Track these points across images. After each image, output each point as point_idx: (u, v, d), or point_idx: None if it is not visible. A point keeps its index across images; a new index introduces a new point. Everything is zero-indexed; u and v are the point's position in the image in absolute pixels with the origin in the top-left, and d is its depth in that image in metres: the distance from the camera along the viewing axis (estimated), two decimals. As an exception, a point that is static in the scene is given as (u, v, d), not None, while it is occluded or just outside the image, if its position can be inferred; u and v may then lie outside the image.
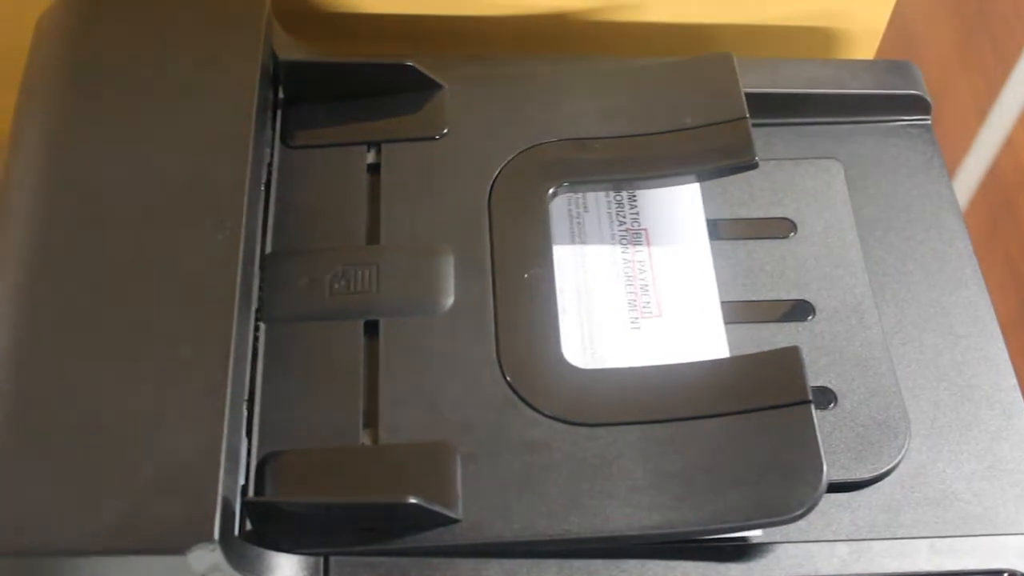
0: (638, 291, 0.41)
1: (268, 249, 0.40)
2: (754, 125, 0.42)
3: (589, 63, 0.46)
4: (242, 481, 0.36)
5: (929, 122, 0.48)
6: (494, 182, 0.42)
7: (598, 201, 0.44)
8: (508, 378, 0.38)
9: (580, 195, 0.44)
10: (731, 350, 0.41)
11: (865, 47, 0.51)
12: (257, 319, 0.39)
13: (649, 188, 0.43)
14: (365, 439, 0.37)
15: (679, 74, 0.44)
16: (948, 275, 0.44)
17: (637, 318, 0.41)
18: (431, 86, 0.44)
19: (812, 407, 0.36)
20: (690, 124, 0.42)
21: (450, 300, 0.39)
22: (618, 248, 0.42)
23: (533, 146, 0.42)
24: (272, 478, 0.36)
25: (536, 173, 0.42)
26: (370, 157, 0.43)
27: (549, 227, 0.41)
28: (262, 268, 0.40)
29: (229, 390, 0.35)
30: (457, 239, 0.40)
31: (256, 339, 0.38)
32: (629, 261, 0.42)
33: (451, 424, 0.37)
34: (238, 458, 0.35)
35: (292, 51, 0.44)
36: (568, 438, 0.37)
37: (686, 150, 0.42)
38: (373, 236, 0.41)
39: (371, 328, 0.39)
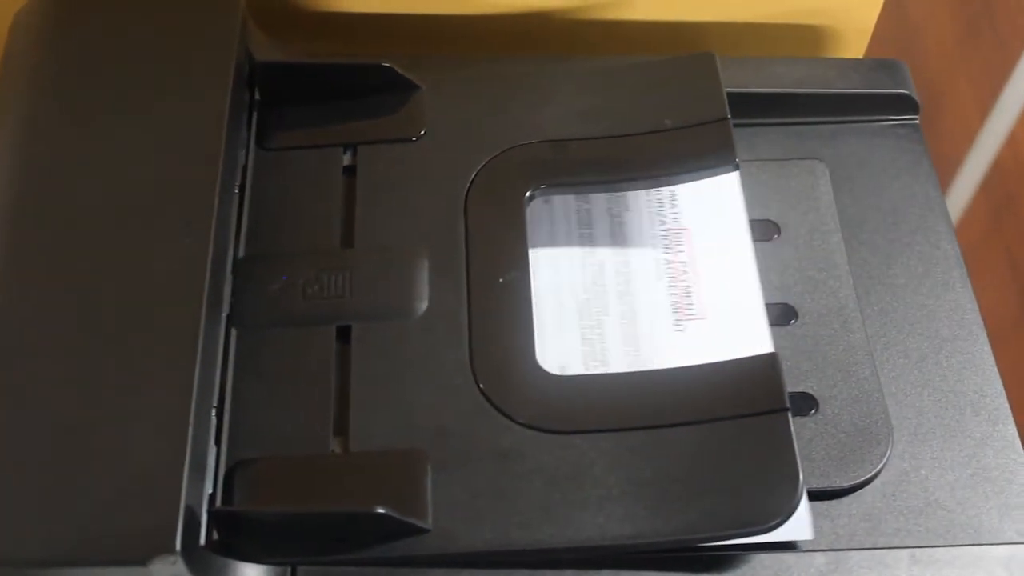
0: (681, 293, 0.41)
1: (241, 253, 0.40)
2: (739, 125, 0.42)
3: (569, 63, 0.45)
4: (210, 489, 0.35)
5: (918, 122, 0.47)
6: (471, 185, 0.41)
7: (638, 200, 0.43)
8: (481, 385, 0.37)
9: (621, 195, 0.43)
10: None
11: (854, 46, 0.51)
12: (228, 324, 0.38)
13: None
14: (335, 447, 0.36)
15: (660, 74, 0.43)
16: (935, 278, 0.43)
17: (680, 320, 0.40)
18: (408, 87, 0.43)
19: (789, 415, 0.35)
20: (670, 125, 0.42)
21: (424, 305, 0.38)
22: (660, 248, 0.42)
23: (511, 148, 0.42)
24: (241, 486, 0.35)
25: (514, 175, 0.41)
26: (346, 159, 0.42)
27: (525, 231, 0.40)
28: (234, 272, 0.39)
29: (195, 396, 0.34)
30: (432, 243, 0.40)
31: (227, 344, 0.38)
32: (671, 262, 0.41)
33: (423, 431, 0.36)
34: (204, 466, 0.35)
35: (268, 52, 0.43)
36: (541, 446, 0.36)
37: (666, 152, 0.41)
38: (347, 240, 0.40)
39: (343, 333, 0.38)
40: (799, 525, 0.36)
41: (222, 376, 0.37)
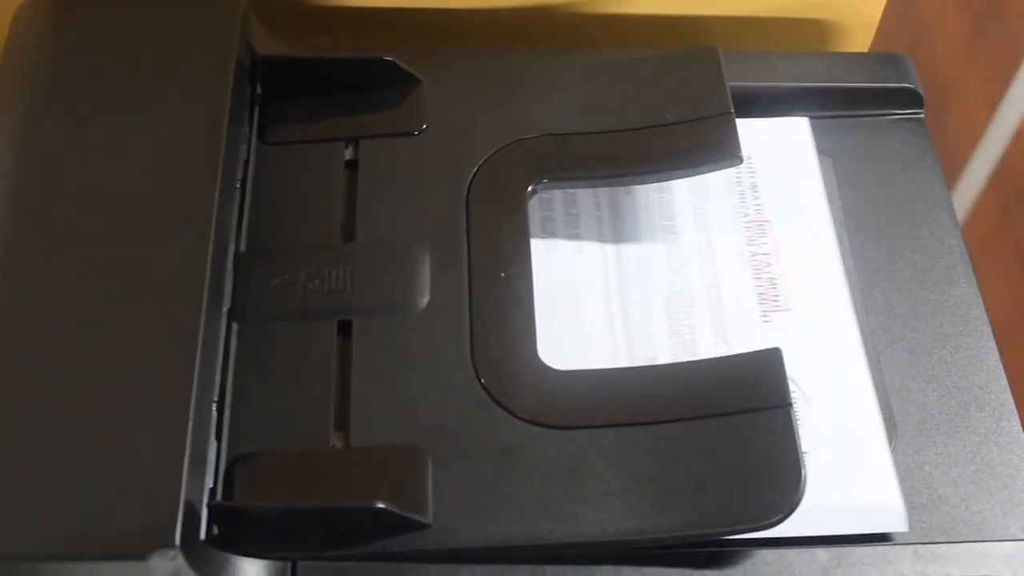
0: (766, 284, 0.41)
1: (243, 248, 0.40)
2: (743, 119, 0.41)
3: (571, 58, 0.45)
4: (210, 484, 0.35)
5: (922, 116, 0.47)
6: (473, 179, 0.41)
7: (720, 192, 0.43)
8: (482, 380, 0.37)
9: (701, 183, 0.43)
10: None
11: (859, 40, 0.50)
12: (230, 319, 0.38)
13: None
14: (336, 442, 0.36)
15: (663, 69, 0.43)
16: (939, 273, 0.43)
17: (767, 311, 0.40)
18: (410, 81, 0.43)
19: (792, 410, 0.35)
20: (673, 120, 0.41)
21: (425, 300, 0.38)
22: (743, 240, 0.42)
23: (513, 142, 0.42)
24: (241, 481, 0.35)
25: (516, 170, 0.41)
26: (348, 153, 0.42)
27: (528, 225, 0.40)
28: (236, 267, 0.39)
29: (195, 391, 0.34)
30: (434, 237, 0.40)
31: (228, 339, 0.38)
32: (755, 254, 0.42)
33: (423, 427, 0.36)
34: (205, 461, 0.35)
35: (270, 46, 0.43)
36: (542, 441, 0.36)
37: (669, 147, 0.41)
38: (349, 234, 0.40)
39: (344, 328, 0.38)
40: (895, 518, 0.36)
41: (223, 371, 0.37)
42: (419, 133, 0.42)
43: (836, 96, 0.46)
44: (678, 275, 0.41)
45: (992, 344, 0.41)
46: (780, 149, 0.45)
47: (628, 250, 0.42)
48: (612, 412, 0.36)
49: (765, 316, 0.40)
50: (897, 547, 0.36)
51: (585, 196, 0.43)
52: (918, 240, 0.43)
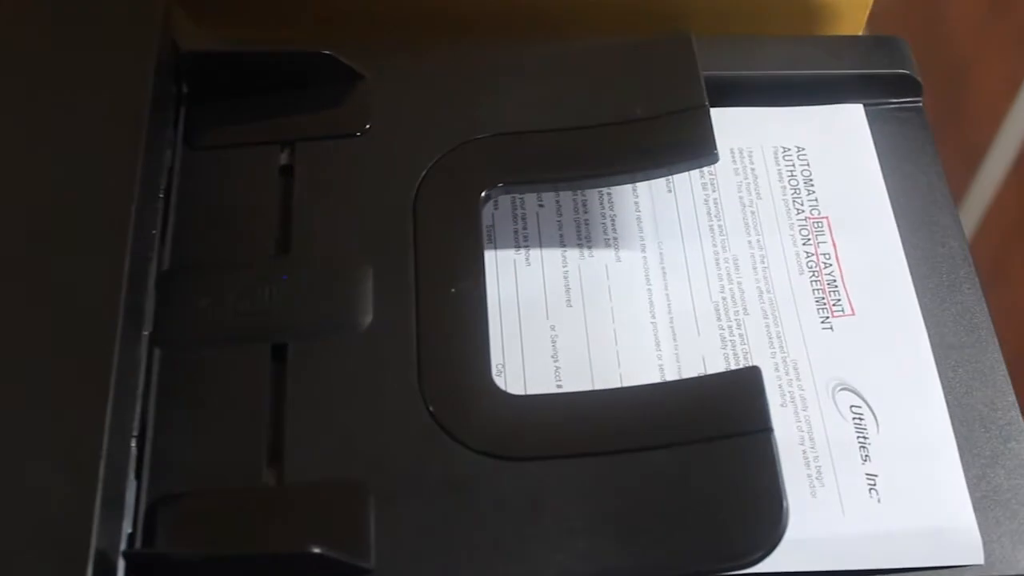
0: (826, 287, 0.41)
1: (166, 265, 0.39)
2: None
3: (530, 47, 0.44)
4: (128, 529, 0.34)
5: (920, 104, 0.46)
6: (420, 184, 0.40)
7: (771, 186, 0.43)
8: (431, 408, 0.36)
9: (751, 180, 0.43)
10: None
11: (851, 22, 0.50)
12: (151, 344, 0.37)
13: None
14: (269, 478, 0.36)
15: (631, 58, 0.43)
16: (939, 278, 0.42)
17: (828, 317, 0.40)
18: (351, 77, 0.42)
19: (773, 436, 0.35)
20: (642, 115, 0.41)
21: (367, 319, 0.38)
22: (799, 239, 0.42)
23: (465, 142, 0.41)
24: (163, 525, 0.35)
25: (468, 173, 0.41)
26: (283, 158, 0.41)
27: (481, 234, 0.39)
28: (158, 286, 0.38)
29: (109, 425, 0.33)
30: (377, 250, 0.39)
31: (149, 366, 0.37)
32: (812, 254, 0.42)
33: (365, 460, 0.36)
34: (121, 503, 0.34)
35: (196, 40, 0.43)
36: (496, 475, 0.35)
37: (638, 144, 0.41)
38: (284, 247, 0.40)
39: (278, 352, 0.38)
40: (972, 550, 0.36)
41: (143, 402, 0.36)
42: (361, 134, 0.42)
43: (824, 84, 0.46)
44: (728, 279, 0.41)
45: (999, 356, 0.41)
46: (835, 139, 0.45)
47: (672, 253, 0.42)
48: (574, 441, 0.36)
49: (825, 322, 0.40)
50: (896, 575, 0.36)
51: (623, 194, 0.43)
52: (916, 242, 0.43)
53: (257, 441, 0.36)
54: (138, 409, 0.36)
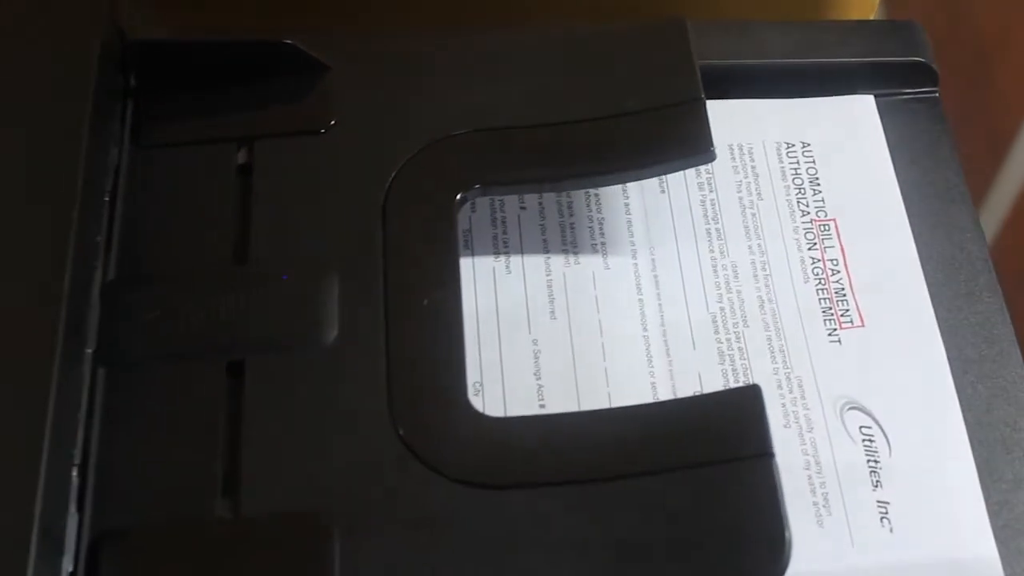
0: (833, 296, 0.41)
1: (111, 274, 0.39)
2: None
3: (509, 35, 0.44)
4: (69, 568, 0.34)
5: (937, 94, 0.46)
6: (390, 185, 0.40)
7: (774, 186, 0.43)
8: (401, 431, 0.36)
9: (752, 179, 0.43)
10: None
11: (861, 5, 0.50)
12: (94, 362, 0.37)
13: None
14: (224, 510, 0.35)
15: (619, 45, 0.42)
16: (957, 286, 0.42)
17: (835, 329, 0.40)
18: (315, 68, 0.42)
19: (774, 461, 0.34)
20: (632, 108, 0.41)
21: (332, 334, 0.37)
22: (803, 243, 0.42)
23: (439, 139, 0.41)
24: (108, 562, 0.34)
25: (442, 174, 0.40)
26: (240, 156, 0.41)
27: (457, 240, 0.39)
28: (102, 298, 0.38)
29: (46, 453, 0.33)
30: (343, 257, 0.39)
31: (93, 388, 0.37)
32: (818, 260, 0.42)
33: (329, 490, 0.35)
34: (62, 539, 0.34)
35: (145, 28, 0.43)
36: (474, 505, 0.35)
37: (628, 140, 0.41)
38: (241, 255, 0.39)
39: (235, 370, 0.37)
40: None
41: (86, 427, 0.36)
42: (326, 131, 0.41)
43: (832, 74, 0.45)
44: (727, 288, 0.41)
45: (1022, 371, 0.40)
46: (844, 133, 0.45)
47: (666, 260, 0.42)
48: (558, 467, 0.35)
49: (833, 335, 0.40)
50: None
51: (612, 196, 0.43)
52: (932, 246, 0.43)
53: (211, 469, 0.36)
54: (80, 435, 0.36)
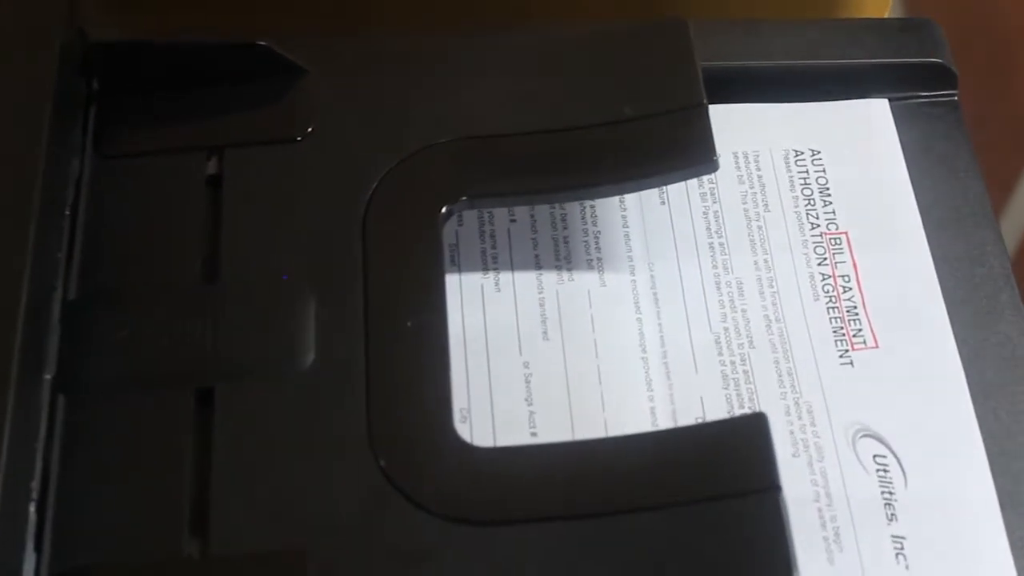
0: (845, 316, 0.41)
1: (72, 294, 0.39)
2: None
3: (499, 37, 0.44)
4: (26, 612, 0.34)
5: (956, 98, 0.46)
6: (371, 197, 0.40)
7: (781, 197, 0.43)
8: (382, 463, 0.35)
9: (758, 189, 0.43)
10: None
11: (875, 3, 0.50)
12: (54, 389, 0.37)
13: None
14: (192, 548, 0.35)
15: (617, 48, 0.42)
16: (979, 304, 0.42)
17: (847, 350, 0.40)
18: (291, 72, 0.42)
19: (781, 495, 0.34)
20: (630, 115, 0.41)
21: (309, 358, 0.37)
22: (813, 258, 0.42)
23: (423, 148, 0.41)
24: (68, 605, 0.34)
25: (426, 185, 0.40)
26: (210, 167, 0.41)
27: (443, 257, 0.39)
28: (62, 320, 0.38)
29: (0, 489, 0.32)
30: (321, 276, 0.39)
31: (52, 416, 0.36)
32: (828, 276, 0.42)
33: (306, 527, 0.35)
34: (17, 581, 0.33)
35: (109, 29, 0.43)
36: (461, 542, 0.34)
37: (625, 149, 0.41)
38: (210, 273, 0.39)
39: (205, 397, 0.37)
40: None
41: (45, 459, 0.36)
42: (302, 139, 0.41)
43: (842, 76, 0.45)
44: (731, 307, 0.41)
45: (1050, 397, 0.41)
46: (856, 140, 0.45)
47: (666, 276, 0.42)
48: (552, 502, 0.35)
49: (844, 357, 0.40)
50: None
51: (609, 208, 0.43)
52: (951, 262, 0.43)
53: (178, 504, 0.35)
54: (38, 467, 0.35)
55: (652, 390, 0.39)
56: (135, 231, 0.40)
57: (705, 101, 0.41)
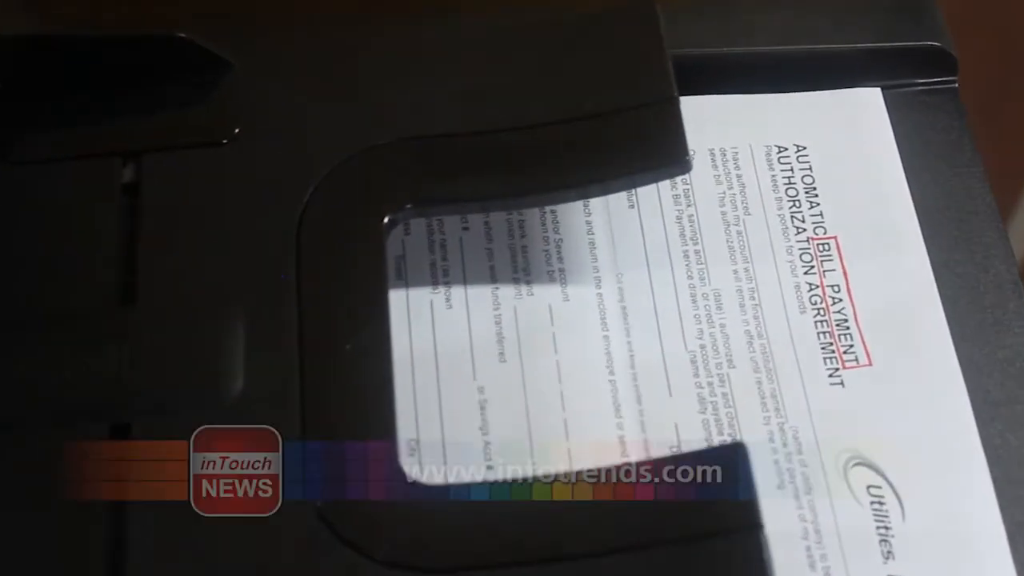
0: (834, 329, 0.41)
1: None
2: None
3: (447, 24, 0.44)
4: None
5: (955, 85, 0.46)
6: (306, 206, 0.40)
7: (763, 198, 0.44)
8: (319, 505, 0.35)
9: (737, 190, 0.44)
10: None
11: None
12: (-49, 427, 0.37)
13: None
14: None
15: (578, 36, 0.42)
16: (982, 314, 0.42)
17: (837, 369, 0.41)
18: (215, 67, 0.42)
19: (763, 534, 0.34)
20: (593, 110, 0.41)
21: (237, 387, 0.37)
22: (799, 266, 0.42)
23: (363, 151, 0.41)
24: None
25: (367, 191, 0.40)
26: (126, 174, 0.41)
27: (386, 270, 0.39)
28: None
29: None
30: (250, 295, 0.39)
31: None
32: (816, 286, 0.42)
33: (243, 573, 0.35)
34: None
35: (12, 21, 0.43)
36: (406, 592, 0.35)
37: (588, 149, 0.40)
38: (128, 294, 0.39)
39: (120, 435, 0.37)
40: None
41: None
42: (228, 142, 0.41)
43: (830, 63, 0.46)
44: (708, 322, 0.41)
45: (1059, 414, 0.41)
46: (846, 133, 0.45)
47: (636, 289, 0.42)
48: (511, 546, 0.35)
49: (834, 376, 0.40)
50: None
51: (572, 213, 0.43)
52: (951, 266, 0.43)
53: (95, 558, 0.35)
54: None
55: (621, 416, 0.39)
56: (43, 247, 0.40)
57: (676, 93, 0.40)
